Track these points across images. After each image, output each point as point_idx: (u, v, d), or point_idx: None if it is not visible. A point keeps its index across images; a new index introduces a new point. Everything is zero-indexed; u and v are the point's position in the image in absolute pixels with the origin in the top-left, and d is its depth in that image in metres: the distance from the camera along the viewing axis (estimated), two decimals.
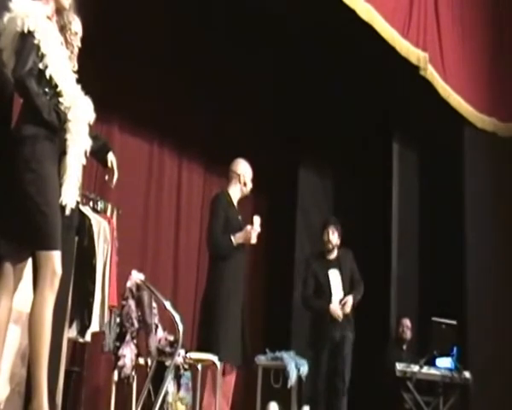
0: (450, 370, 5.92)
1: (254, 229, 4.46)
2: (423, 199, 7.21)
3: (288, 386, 6.07)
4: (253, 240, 4.48)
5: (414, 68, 6.15)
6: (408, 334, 6.52)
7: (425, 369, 5.85)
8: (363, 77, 6.82)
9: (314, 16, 6.08)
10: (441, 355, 5.96)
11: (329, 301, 5.41)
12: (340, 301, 5.39)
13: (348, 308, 5.37)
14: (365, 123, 7.15)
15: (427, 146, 7.25)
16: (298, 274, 7.14)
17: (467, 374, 5.96)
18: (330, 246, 5.54)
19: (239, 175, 4.62)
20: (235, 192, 4.64)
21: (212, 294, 4.44)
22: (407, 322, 6.54)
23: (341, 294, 5.46)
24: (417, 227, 7.19)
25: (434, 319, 5.97)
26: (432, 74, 6.28)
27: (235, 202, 4.64)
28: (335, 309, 5.36)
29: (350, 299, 5.38)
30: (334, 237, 5.53)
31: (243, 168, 4.65)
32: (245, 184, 4.64)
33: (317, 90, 7.22)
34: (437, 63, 6.35)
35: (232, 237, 4.42)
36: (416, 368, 5.82)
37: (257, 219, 4.51)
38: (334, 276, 5.53)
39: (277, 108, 7.41)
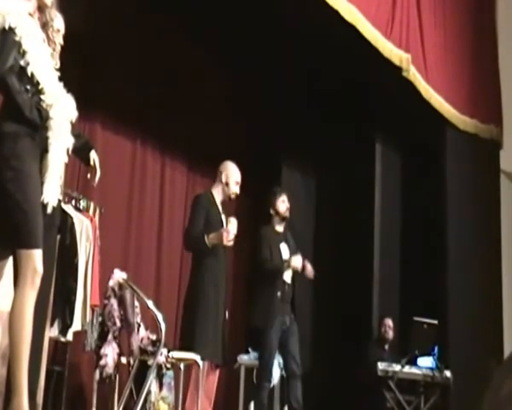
0: (431, 369, 5.97)
1: (228, 230, 4.43)
2: (405, 200, 7.25)
3: (271, 386, 6.07)
4: (229, 242, 4.42)
5: (397, 69, 6.19)
6: (390, 334, 6.56)
7: (406, 368, 5.89)
8: (346, 78, 6.84)
9: (299, 16, 6.09)
10: (422, 355, 6.00)
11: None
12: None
13: (299, 263, 4.98)
14: (348, 124, 7.17)
15: (409, 147, 7.30)
16: None
17: (448, 373, 6.02)
18: (280, 218, 5.17)
19: (221, 173, 4.63)
20: (219, 192, 4.64)
21: (192, 293, 4.47)
22: (389, 322, 6.58)
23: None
24: (399, 227, 7.24)
25: (416, 318, 6.01)
26: (414, 75, 6.32)
27: (219, 202, 4.64)
28: (295, 260, 4.97)
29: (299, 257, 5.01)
30: (285, 207, 5.16)
31: (227, 168, 4.65)
32: (227, 185, 4.63)
33: (301, 91, 7.24)
34: (419, 64, 6.39)
35: (206, 238, 4.39)
36: (397, 367, 5.86)
37: (233, 221, 4.50)
38: (285, 250, 5.16)
39: (261, 107, 7.42)
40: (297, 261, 5.00)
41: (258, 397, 5.00)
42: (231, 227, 4.45)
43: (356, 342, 6.49)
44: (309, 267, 5.09)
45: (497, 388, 1.21)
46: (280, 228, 5.23)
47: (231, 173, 4.65)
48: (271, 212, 5.20)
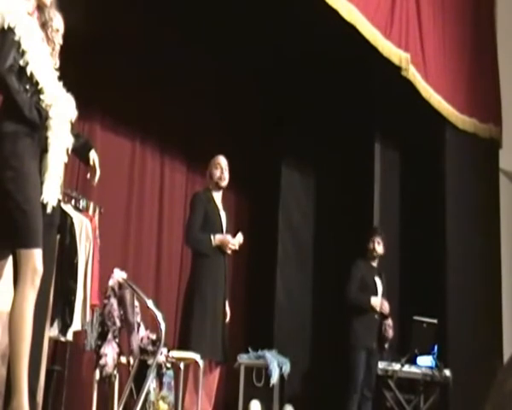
0: (430, 368, 5.97)
1: (232, 243, 4.54)
2: (404, 199, 7.25)
3: (270, 385, 6.08)
4: (228, 250, 4.60)
5: (396, 69, 6.19)
6: (390, 333, 6.55)
7: (406, 367, 5.89)
8: (345, 78, 6.85)
9: (298, 16, 6.10)
10: (422, 354, 6.00)
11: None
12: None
13: (387, 309, 5.75)
14: (347, 123, 7.17)
15: (408, 147, 7.29)
16: (280, 273, 7.18)
17: (447, 372, 6.02)
18: (375, 254, 5.90)
19: (211, 169, 4.70)
20: (215, 187, 4.69)
21: (190, 292, 4.50)
22: (389, 321, 6.57)
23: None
24: (398, 227, 7.23)
25: (415, 318, 6.01)
26: (413, 75, 6.32)
27: (217, 198, 4.68)
28: (376, 301, 5.69)
29: (387, 304, 5.78)
30: (379, 248, 5.91)
31: (215, 161, 4.72)
32: (211, 175, 4.70)
33: (301, 91, 7.24)
34: (418, 64, 6.39)
35: (212, 237, 4.48)
36: (397, 366, 5.86)
37: (240, 237, 4.61)
38: (379, 283, 5.89)
39: (261, 107, 7.43)
40: (377, 303, 5.70)
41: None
42: (236, 240, 4.59)
43: None
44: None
45: (501, 384, 1.22)
46: (374, 263, 5.94)
47: (211, 163, 4.75)
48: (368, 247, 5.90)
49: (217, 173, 4.70)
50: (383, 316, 5.80)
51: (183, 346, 4.36)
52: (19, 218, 2.65)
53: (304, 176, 7.66)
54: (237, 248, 4.65)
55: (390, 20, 6.08)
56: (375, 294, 5.77)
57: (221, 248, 4.56)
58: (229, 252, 4.62)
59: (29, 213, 2.66)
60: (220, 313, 4.52)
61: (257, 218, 7.34)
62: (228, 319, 4.65)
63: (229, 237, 4.59)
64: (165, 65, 6.37)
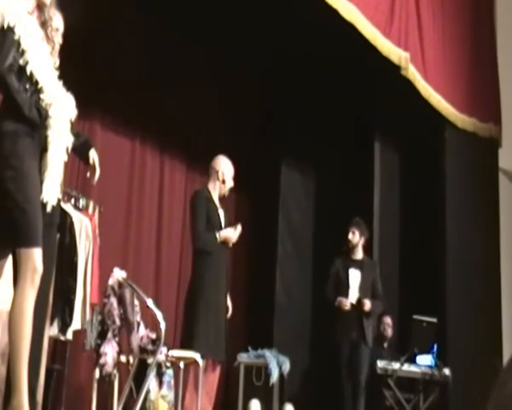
0: (430, 367, 5.98)
1: (231, 236, 4.56)
2: (404, 198, 7.26)
3: (270, 384, 6.09)
4: (230, 241, 4.61)
5: (395, 68, 6.19)
6: (389, 332, 6.56)
7: (405, 366, 5.89)
8: (345, 77, 6.85)
9: (298, 16, 6.10)
10: (421, 353, 6.00)
11: (346, 295, 5.65)
12: (356, 300, 5.64)
13: (366, 307, 5.57)
14: (347, 123, 7.18)
15: (408, 146, 7.30)
16: (280, 272, 7.18)
17: (447, 371, 6.02)
18: (350, 245, 5.78)
19: (217, 172, 4.65)
20: (215, 189, 4.67)
21: (192, 292, 4.49)
22: (388, 320, 6.58)
23: (357, 294, 5.67)
24: (398, 226, 7.24)
25: (415, 316, 6.02)
26: (413, 74, 6.32)
27: (215, 198, 4.67)
28: (341, 299, 5.57)
29: (368, 302, 5.60)
30: (354, 237, 5.79)
31: (222, 165, 4.67)
32: (223, 182, 4.65)
33: (301, 91, 7.25)
34: (418, 63, 6.39)
35: (217, 234, 4.47)
36: (396, 365, 5.87)
37: (239, 228, 4.60)
38: (355, 275, 5.73)
39: (261, 107, 7.43)
40: (342, 301, 5.60)
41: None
42: (236, 233, 4.58)
43: None
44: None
45: (503, 385, 1.22)
46: (353, 255, 5.82)
47: (227, 170, 4.68)
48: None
49: (231, 183, 4.70)
50: (365, 311, 5.64)
51: (186, 345, 4.35)
52: (19, 217, 2.65)
53: (304, 176, 7.66)
54: (236, 239, 4.63)
55: (389, 19, 6.08)
56: (347, 287, 5.66)
57: (223, 243, 4.56)
58: (230, 244, 4.62)
59: (29, 212, 2.66)
60: (223, 311, 4.52)
61: (257, 218, 7.35)
62: (230, 312, 4.65)
63: (230, 231, 4.56)
64: (165, 65, 6.37)
